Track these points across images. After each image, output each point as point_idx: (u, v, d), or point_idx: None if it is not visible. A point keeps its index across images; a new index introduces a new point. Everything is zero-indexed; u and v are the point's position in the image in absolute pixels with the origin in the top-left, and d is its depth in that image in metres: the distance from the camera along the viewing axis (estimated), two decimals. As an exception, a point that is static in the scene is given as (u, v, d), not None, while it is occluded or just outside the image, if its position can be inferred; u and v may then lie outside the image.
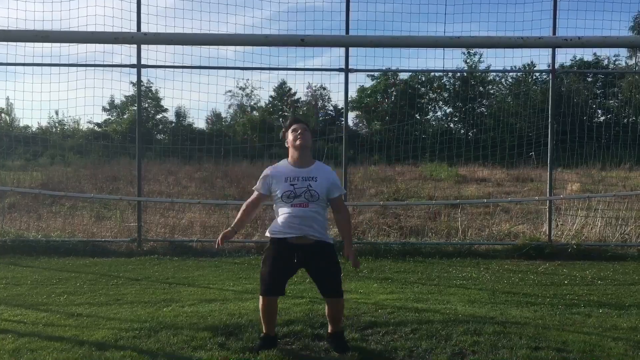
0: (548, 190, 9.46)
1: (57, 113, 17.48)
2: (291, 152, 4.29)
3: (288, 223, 4.16)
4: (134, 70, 9.16)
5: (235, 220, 4.40)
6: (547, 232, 9.28)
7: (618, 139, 12.91)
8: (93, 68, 9.60)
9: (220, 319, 5.13)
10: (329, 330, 4.51)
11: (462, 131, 22.21)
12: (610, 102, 22.30)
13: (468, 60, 34.19)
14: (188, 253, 8.88)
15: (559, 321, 5.27)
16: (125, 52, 9.33)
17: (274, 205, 4.36)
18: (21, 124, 17.61)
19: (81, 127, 17.32)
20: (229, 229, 4.35)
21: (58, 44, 9.07)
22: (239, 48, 14.56)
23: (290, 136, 4.28)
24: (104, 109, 29.02)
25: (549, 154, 9.36)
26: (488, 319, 5.24)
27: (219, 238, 4.31)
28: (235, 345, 4.45)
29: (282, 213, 4.20)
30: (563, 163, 11.94)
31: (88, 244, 9.06)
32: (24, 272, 7.50)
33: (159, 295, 6.28)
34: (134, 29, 8.95)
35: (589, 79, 27.72)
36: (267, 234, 4.33)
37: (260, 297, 4.31)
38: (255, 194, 4.38)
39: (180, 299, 6.06)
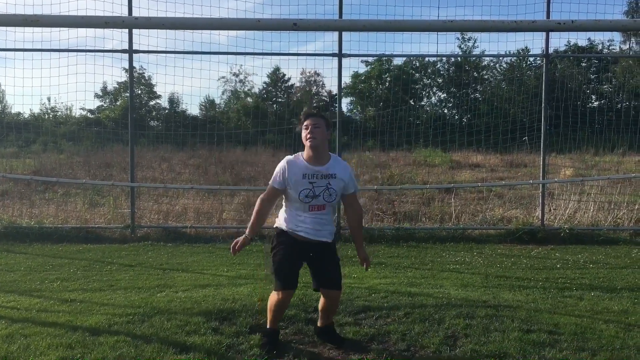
0: (541, 174, 9.48)
1: (49, 100, 17.40)
2: (306, 149, 4.04)
3: (306, 228, 4.01)
4: (126, 55, 9.08)
5: (250, 224, 4.10)
6: (540, 217, 9.31)
7: (611, 124, 12.93)
8: (84, 54, 9.53)
9: (214, 304, 5.13)
10: (320, 324, 4.37)
11: (456, 117, 22.25)
12: (604, 87, 22.32)
13: (462, 46, 34.25)
14: (182, 239, 8.88)
15: (551, 304, 5.31)
16: (117, 38, 9.29)
17: (285, 200, 4.14)
18: (13, 111, 17.53)
19: (74, 114, 17.19)
20: (244, 237, 4.07)
21: (48, 29, 9.03)
22: (231, 33, 14.48)
23: (303, 133, 4.03)
24: (97, 96, 28.84)
25: (542, 139, 9.37)
26: (481, 302, 5.27)
27: (235, 246, 4.07)
28: (229, 330, 4.46)
29: (298, 214, 4.04)
30: (556, 148, 11.94)
31: (81, 230, 9.05)
32: (17, 258, 7.49)
33: (152, 281, 6.29)
34: (125, 13, 8.86)
35: (583, 64, 27.78)
36: (278, 225, 4.14)
37: (277, 293, 4.07)
38: (270, 189, 4.07)
39: (174, 285, 6.07)
